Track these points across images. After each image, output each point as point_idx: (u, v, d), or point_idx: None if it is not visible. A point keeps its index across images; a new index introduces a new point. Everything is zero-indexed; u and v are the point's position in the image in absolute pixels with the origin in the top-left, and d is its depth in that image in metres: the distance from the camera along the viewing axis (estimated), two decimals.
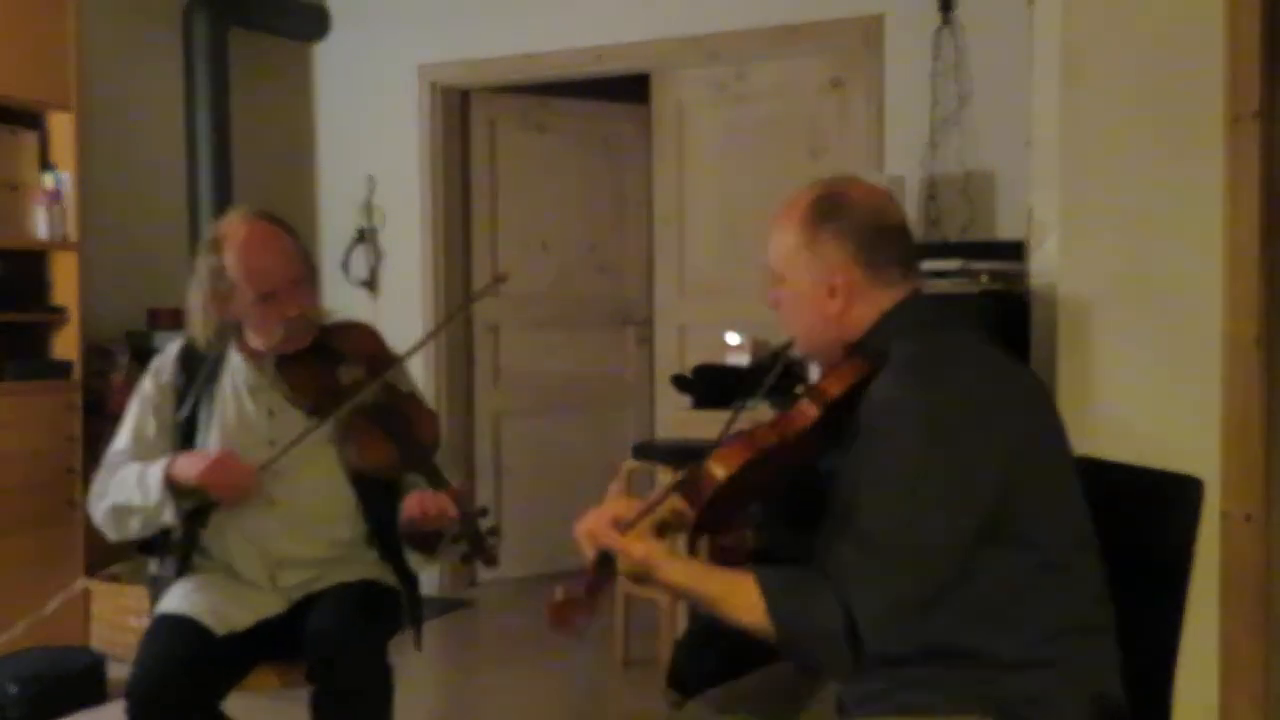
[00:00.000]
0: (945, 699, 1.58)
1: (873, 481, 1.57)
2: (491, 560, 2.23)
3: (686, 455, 3.14)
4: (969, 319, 1.83)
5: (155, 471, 2.32)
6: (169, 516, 2.33)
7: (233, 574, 2.39)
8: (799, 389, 1.72)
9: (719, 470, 1.61)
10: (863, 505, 1.56)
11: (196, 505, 2.35)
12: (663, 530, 1.64)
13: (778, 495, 1.82)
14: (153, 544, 2.45)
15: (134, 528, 2.38)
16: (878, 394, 1.61)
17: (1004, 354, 1.70)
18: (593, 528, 1.64)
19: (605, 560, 1.62)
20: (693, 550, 1.83)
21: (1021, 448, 1.58)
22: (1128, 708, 1.66)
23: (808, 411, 1.65)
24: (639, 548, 1.60)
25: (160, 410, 2.46)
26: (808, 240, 1.71)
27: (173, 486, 2.31)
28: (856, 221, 1.70)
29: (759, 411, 2.86)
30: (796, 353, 1.83)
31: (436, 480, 2.29)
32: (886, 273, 1.71)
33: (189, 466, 2.30)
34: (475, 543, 2.23)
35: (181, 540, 2.39)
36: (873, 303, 1.71)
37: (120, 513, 2.37)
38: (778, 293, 1.77)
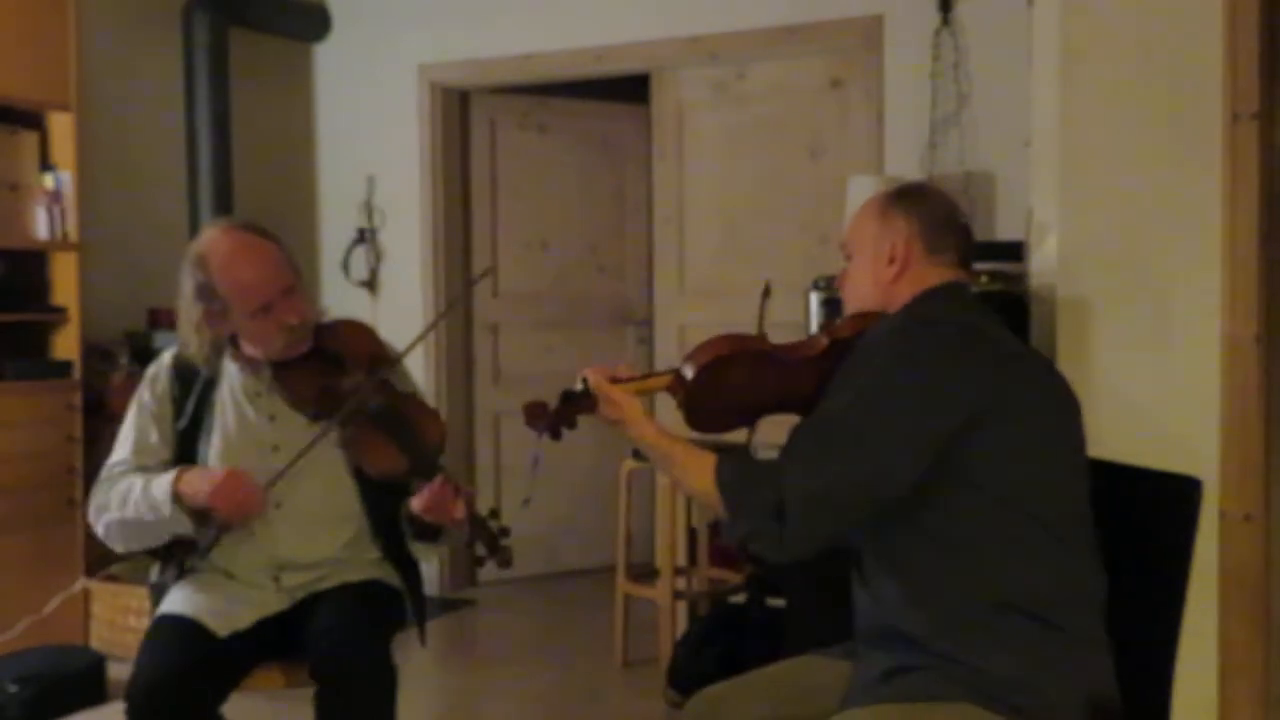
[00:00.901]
0: (940, 687, 1.61)
1: (838, 386, 1.74)
2: (506, 562, 2.22)
3: None
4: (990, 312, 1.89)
5: (163, 486, 2.27)
6: (183, 528, 2.29)
7: (233, 575, 2.38)
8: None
9: (725, 348, 1.80)
10: (821, 405, 1.73)
11: (200, 523, 2.29)
12: (644, 394, 1.84)
13: (768, 409, 1.89)
14: (157, 549, 2.43)
15: (147, 542, 2.35)
16: (871, 334, 1.79)
17: (1009, 335, 1.80)
18: (591, 371, 1.84)
19: (585, 393, 1.82)
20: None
21: (995, 400, 1.64)
22: (1119, 702, 1.67)
23: (817, 341, 1.85)
24: (621, 397, 1.80)
25: (160, 420, 2.42)
26: (881, 215, 1.86)
27: (179, 503, 2.26)
28: (929, 207, 1.85)
29: None
30: (846, 312, 1.94)
31: (449, 480, 2.25)
32: (942, 258, 1.83)
33: (197, 484, 2.25)
34: (491, 545, 2.22)
35: (191, 554, 2.37)
36: (920, 279, 1.82)
37: (128, 528, 2.33)
38: (845, 271, 1.92)
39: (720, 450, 1.76)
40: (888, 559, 1.73)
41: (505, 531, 2.23)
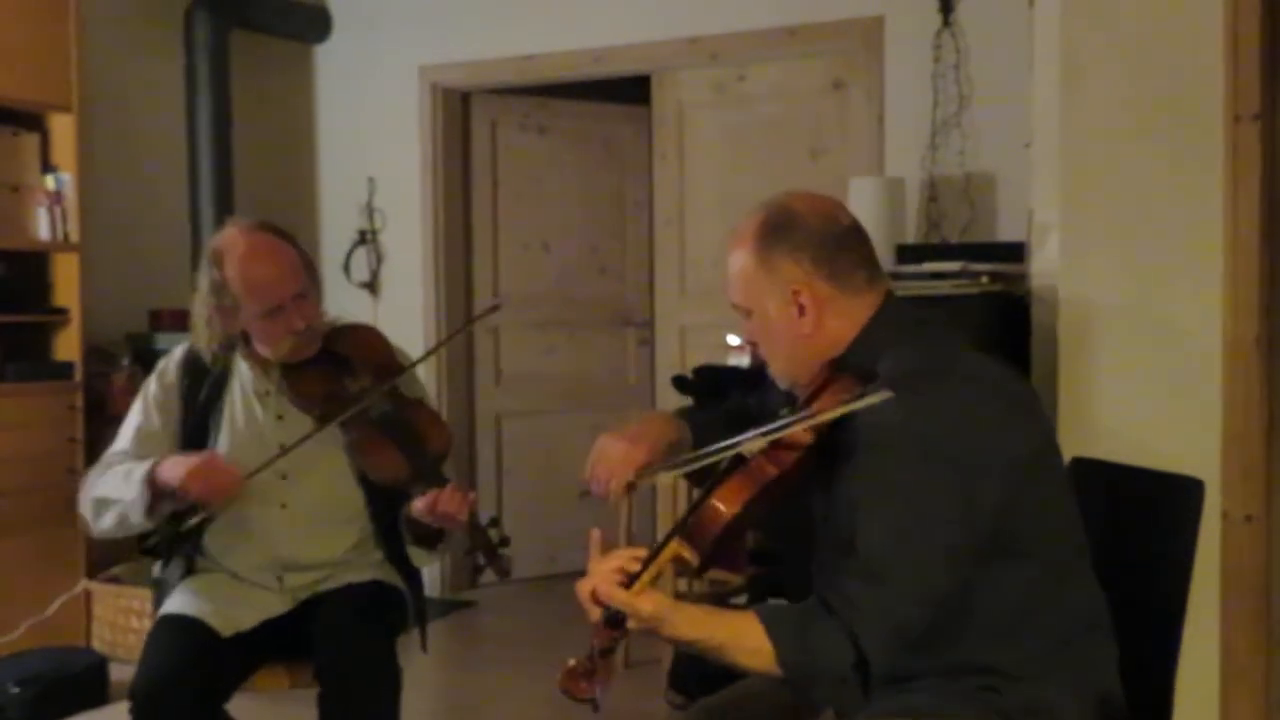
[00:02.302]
0: (949, 703, 1.59)
1: (871, 507, 1.54)
2: (505, 571, 2.23)
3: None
4: (940, 318, 1.81)
5: (140, 469, 2.26)
6: (138, 516, 2.26)
7: (237, 575, 2.39)
8: (784, 412, 1.65)
9: (726, 510, 1.55)
10: (862, 533, 1.53)
11: (178, 509, 2.28)
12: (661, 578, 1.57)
13: (769, 520, 1.76)
14: (157, 547, 2.43)
15: (108, 522, 2.31)
16: (873, 415, 1.53)
17: (990, 360, 1.67)
18: (597, 587, 1.54)
19: (615, 620, 1.52)
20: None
21: (1020, 462, 1.56)
22: (1127, 707, 1.67)
23: (801, 439, 1.58)
24: (647, 605, 1.51)
25: (165, 410, 2.43)
26: (762, 264, 1.67)
27: (155, 487, 2.24)
28: (807, 234, 1.65)
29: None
30: (782, 386, 1.77)
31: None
32: (852, 280, 1.66)
33: (173, 468, 2.24)
34: (489, 554, 2.22)
35: (179, 542, 2.37)
36: (846, 314, 1.66)
37: (99, 505, 2.32)
38: (750, 328, 1.73)
39: (756, 605, 1.59)
40: None
41: (505, 541, 2.23)
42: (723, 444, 1.63)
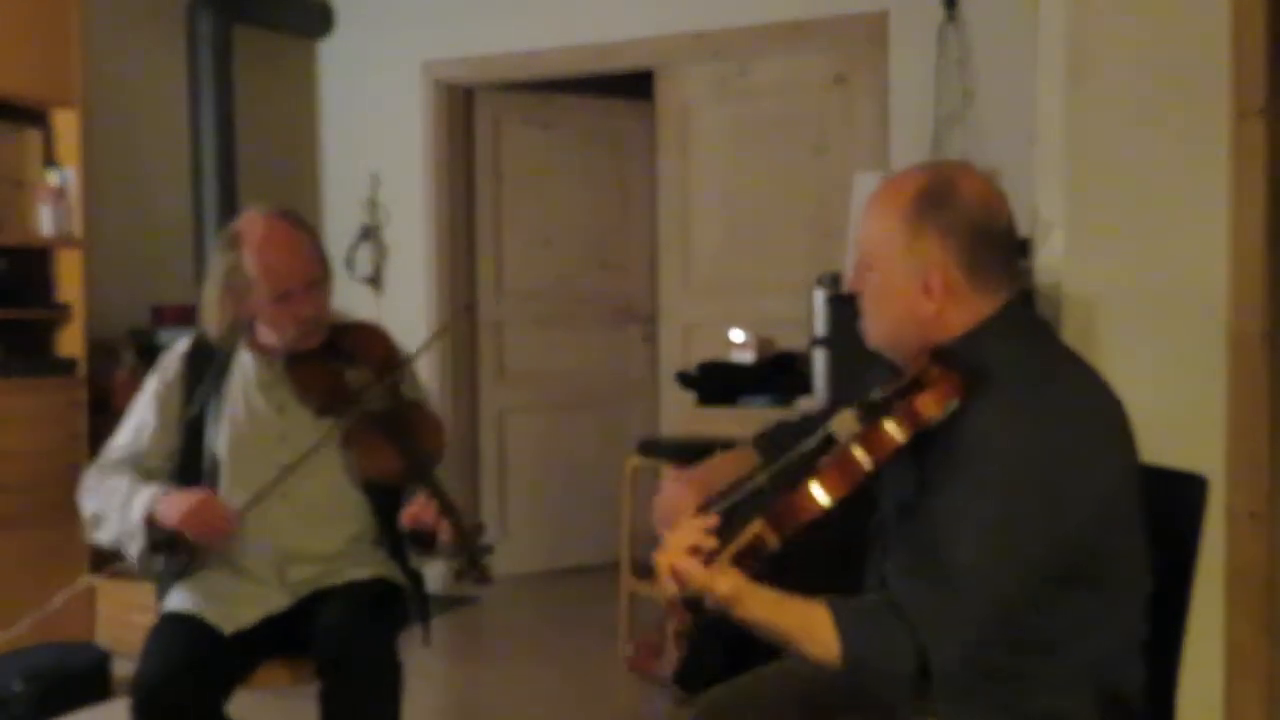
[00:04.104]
0: (972, 711, 1.58)
1: (959, 519, 1.49)
2: (485, 579, 2.22)
3: (692, 452, 3.13)
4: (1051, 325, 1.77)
5: (139, 505, 2.28)
6: (135, 552, 2.31)
7: (238, 570, 2.39)
8: (875, 395, 1.56)
9: (824, 499, 1.49)
10: (947, 544, 1.49)
11: (171, 542, 2.29)
12: (741, 559, 1.51)
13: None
14: (158, 543, 2.44)
15: (104, 539, 2.37)
16: (973, 424, 1.49)
17: (1092, 373, 1.63)
18: (675, 562, 1.50)
19: (694, 604, 1.49)
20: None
21: (1116, 488, 1.54)
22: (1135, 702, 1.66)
23: (897, 436, 1.50)
24: (725, 584, 1.47)
25: (166, 405, 2.44)
26: (908, 232, 1.58)
27: (152, 525, 2.28)
28: (964, 219, 1.57)
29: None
30: (870, 345, 1.70)
31: (437, 495, 2.26)
32: (988, 278, 1.58)
33: (170, 508, 2.26)
34: (471, 561, 2.23)
35: (176, 559, 2.38)
36: (970, 308, 1.59)
37: (98, 521, 2.37)
38: (863, 279, 1.65)
39: (825, 596, 1.55)
40: None
41: (488, 549, 2.23)
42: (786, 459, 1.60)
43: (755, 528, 1.50)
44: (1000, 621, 1.51)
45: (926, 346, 1.60)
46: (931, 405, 1.50)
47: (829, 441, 1.57)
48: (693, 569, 1.48)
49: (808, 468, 1.54)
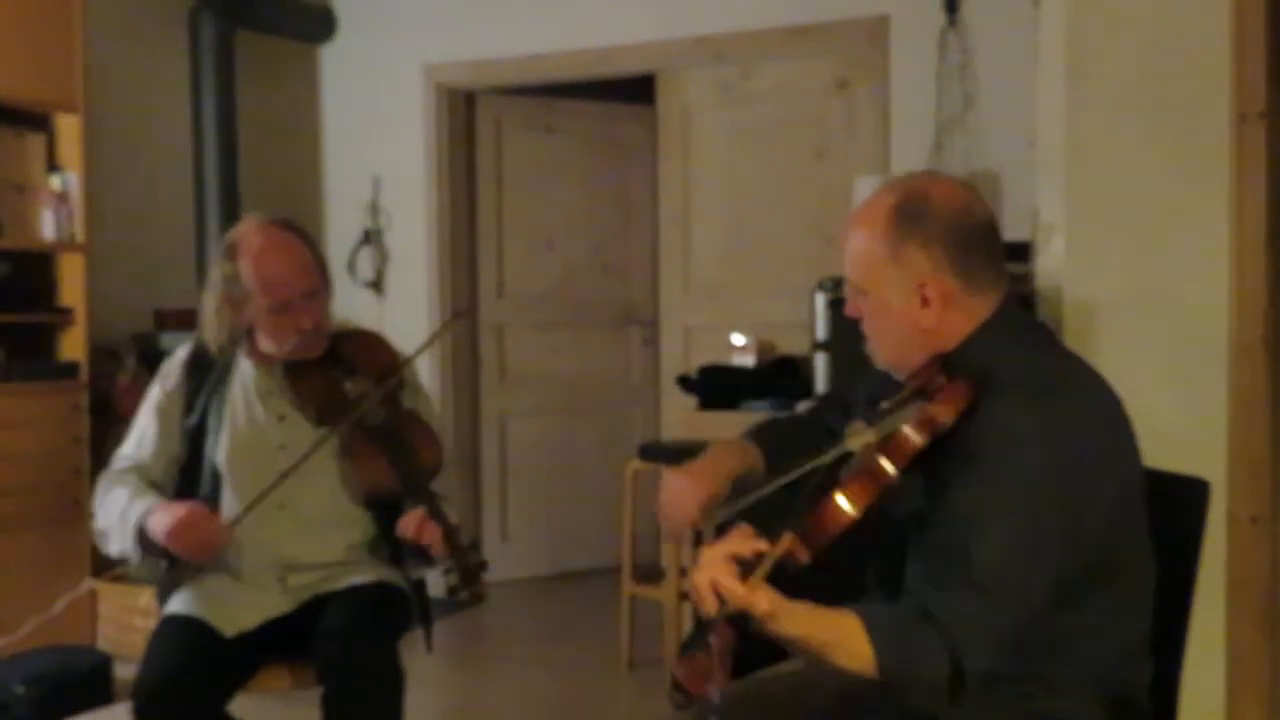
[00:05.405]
0: (983, 712, 1.57)
1: (983, 520, 1.50)
2: (479, 597, 2.18)
3: (693, 456, 3.12)
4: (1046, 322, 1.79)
5: (133, 517, 2.30)
6: (136, 562, 2.35)
7: (239, 576, 2.39)
8: (886, 405, 1.59)
9: (851, 510, 1.49)
10: (975, 546, 1.50)
11: (165, 555, 2.31)
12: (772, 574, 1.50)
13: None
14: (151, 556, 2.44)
15: (113, 552, 2.40)
16: (990, 425, 1.51)
17: (1092, 371, 1.65)
18: (716, 579, 1.48)
19: (738, 621, 1.47)
20: None
21: (1121, 494, 1.56)
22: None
23: (916, 439, 1.52)
24: (764, 601, 1.46)
25: (167, 415, 2.44)
26: (892, 251, 1.60)
27: (145, 539, 2.29)
28: (943, 226, 1.58)
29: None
30: (879, 366, 1.72)
31: (431, 511, 2.25)
32: (981, 278, 1.60)
33: (159, 522, 2.26)
34: (465, 579, 2.18)
35: (169, 572, 2.40)
36: (968, 311, 1.61)
37: (105, 534, 2.39)
38: (859, 305, 1.67)
39: (854, 606, 1.55)
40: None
41: (483, 565, 2.19)
42: (807, 466, 1.59)
43: (786, 543, 1.50)
44: (1032, 620, 1.52)
45: (933, 357, 1.63)
46: (945, 410, 1.53)
47: (846, 456, 1.57)
48: (735, 586, 1.47)
49: (827, 481, 1.55)
